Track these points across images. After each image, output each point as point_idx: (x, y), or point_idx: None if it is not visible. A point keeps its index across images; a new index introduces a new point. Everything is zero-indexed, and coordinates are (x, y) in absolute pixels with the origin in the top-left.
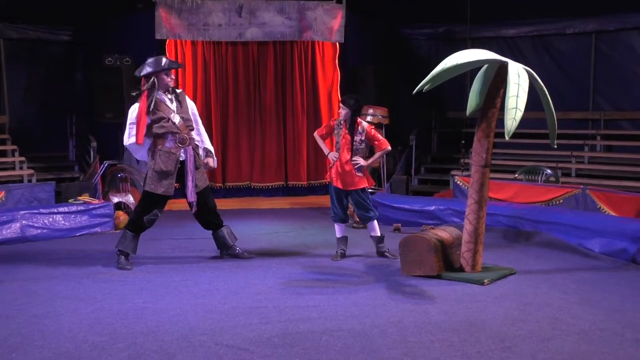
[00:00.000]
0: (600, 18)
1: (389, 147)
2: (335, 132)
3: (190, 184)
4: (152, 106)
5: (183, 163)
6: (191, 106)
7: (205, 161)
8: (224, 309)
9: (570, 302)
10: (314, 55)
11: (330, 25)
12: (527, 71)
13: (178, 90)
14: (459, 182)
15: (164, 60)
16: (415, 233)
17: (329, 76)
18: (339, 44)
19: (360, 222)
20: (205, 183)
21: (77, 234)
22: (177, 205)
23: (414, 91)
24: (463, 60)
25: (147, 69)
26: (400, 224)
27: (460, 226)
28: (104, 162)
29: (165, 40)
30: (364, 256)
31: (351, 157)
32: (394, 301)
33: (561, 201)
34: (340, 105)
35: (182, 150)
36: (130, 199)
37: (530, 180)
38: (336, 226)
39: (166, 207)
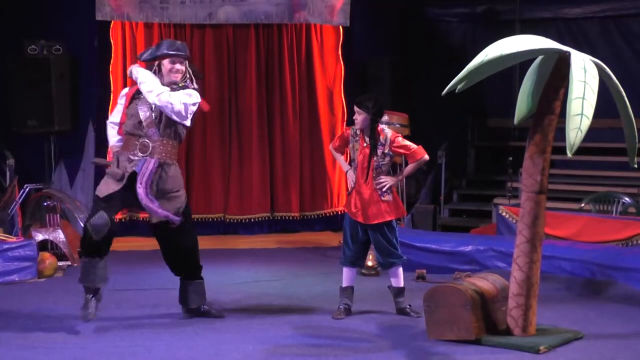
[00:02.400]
0: None
1: (427, 156)
2: (351, 145)
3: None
4: None
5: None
6: None
7: None
8: None
9: None
10: (310, 43)
11: (331, 4)
12: (597, 64)
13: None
14: (504, 214)
15: (172, 44)
16: (446, 282)
17: (330, 71)
18: (343, 28)
19: (372, 268)
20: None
21: None
22: (119, 244)
23: (444, 91)
24: (510, 51)
25: (148, 53)
26: (424, 270)
27: (507, 273)
28: (25, 186)
29: (110, 22)
30: (377, 313)
31: (374, 177)
32: None
33: None
34: (355, 109)
35: None
36: (60, 236)
37: (601, 211)
38: (345, 271)
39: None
